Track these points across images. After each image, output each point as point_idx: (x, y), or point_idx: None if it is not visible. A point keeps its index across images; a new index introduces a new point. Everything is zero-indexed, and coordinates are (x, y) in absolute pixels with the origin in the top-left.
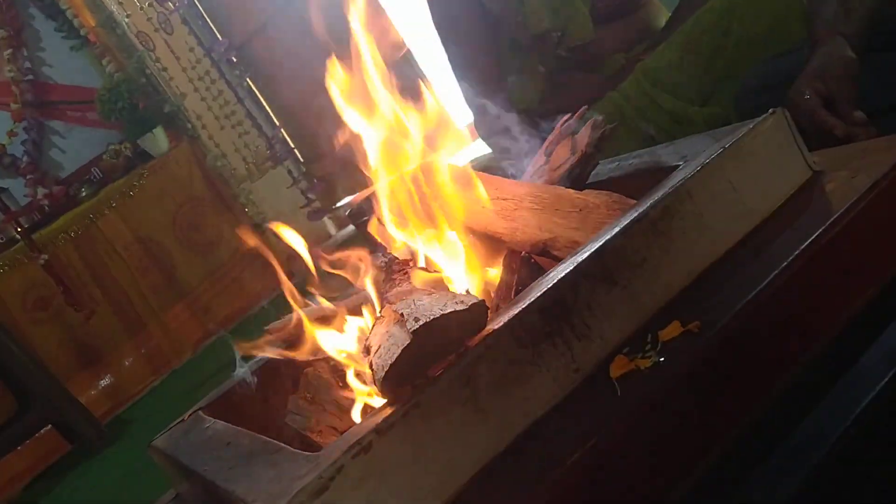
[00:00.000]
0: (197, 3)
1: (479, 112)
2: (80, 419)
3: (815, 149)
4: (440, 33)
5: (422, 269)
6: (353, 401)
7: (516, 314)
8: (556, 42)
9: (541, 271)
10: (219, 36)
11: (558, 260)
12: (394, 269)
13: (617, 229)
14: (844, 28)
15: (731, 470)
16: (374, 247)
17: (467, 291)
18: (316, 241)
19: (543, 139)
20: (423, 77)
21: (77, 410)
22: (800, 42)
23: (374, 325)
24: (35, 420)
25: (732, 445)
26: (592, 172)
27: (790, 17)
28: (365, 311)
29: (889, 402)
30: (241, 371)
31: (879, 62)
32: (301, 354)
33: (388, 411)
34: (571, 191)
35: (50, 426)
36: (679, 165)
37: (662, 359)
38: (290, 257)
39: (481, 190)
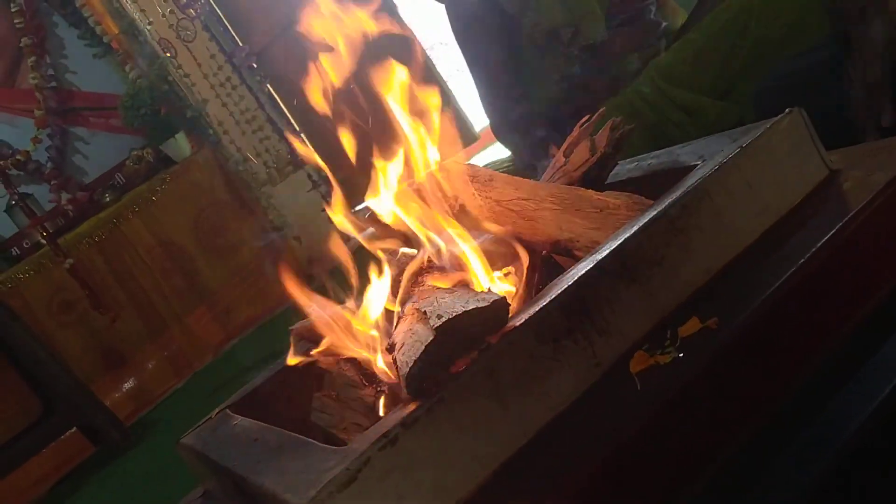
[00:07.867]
0: (217, 9)
1: (497, 114)
2: (104, 421)
3: (833, 147)
4: (456, 34)
5: (442, 268)
6: (377, 398)
7: (538, 311)
8: (569, 39)
9: (561, 271)
10: (239, 42)
11: (578, 259)
12: (420, 271)
13: (636, 227)
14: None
15: (750, 463)
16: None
17: (489, 289)
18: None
19: (562, 140)
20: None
21: (101, 413)
22: (818, 41)
23: (397, 323)
24: (60, 423)
25: (751, 439)
26: (612, 173)
27: (808, 16)
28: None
29: None
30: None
31: None
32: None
33: (414, 406)
34: (592, 191)
35: (75, 429)
36: (697, 165)
37: (682, 354)
38: (310, 260)
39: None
